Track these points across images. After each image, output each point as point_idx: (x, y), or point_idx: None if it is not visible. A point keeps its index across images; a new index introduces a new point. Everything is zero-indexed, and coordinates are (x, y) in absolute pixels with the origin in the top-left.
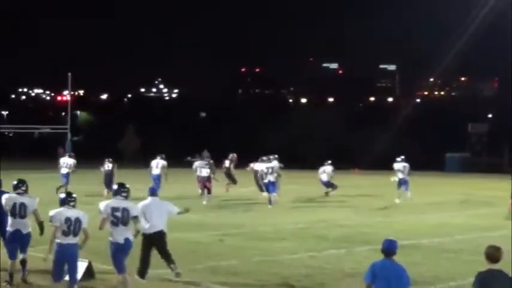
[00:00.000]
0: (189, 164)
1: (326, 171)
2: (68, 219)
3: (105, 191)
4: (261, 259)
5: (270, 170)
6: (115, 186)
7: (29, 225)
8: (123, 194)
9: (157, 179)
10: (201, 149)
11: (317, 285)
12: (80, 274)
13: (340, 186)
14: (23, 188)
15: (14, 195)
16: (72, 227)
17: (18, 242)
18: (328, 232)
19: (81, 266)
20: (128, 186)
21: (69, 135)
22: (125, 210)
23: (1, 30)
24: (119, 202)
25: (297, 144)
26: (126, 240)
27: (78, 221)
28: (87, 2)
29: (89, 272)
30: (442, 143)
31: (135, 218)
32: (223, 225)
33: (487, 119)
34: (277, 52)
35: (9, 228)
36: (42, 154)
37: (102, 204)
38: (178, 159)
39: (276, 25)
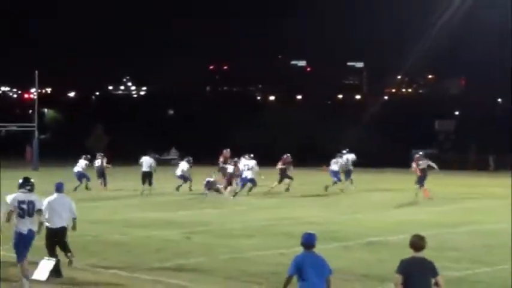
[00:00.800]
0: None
1: (339, 162)
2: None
3: (101, 184)
4: (229, 256)
5: (248, 168)
6: (20, 180)
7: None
8: (27, 188)
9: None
10: (169, 146)
11: None
12: (46, 273)
13: (309, 183)
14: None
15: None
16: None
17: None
18: (296, 229)
19: (48, 265)
20: (32, 180)
21: (36, 133)
22: (30, 203)
23: None
24: (25, 195)
25: (265, 142)
26: (29, 231)
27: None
28: None
29: (56, 271)
30: (409, 140)
31: (40, 211)
32: (191, 223)
33: (454, 116)
34: (246, 49)
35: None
36: (9, 152)
37: (10, 197)
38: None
39: (245, 22)
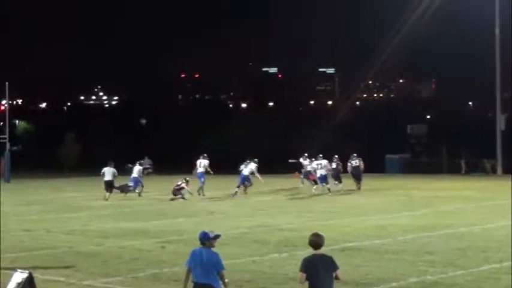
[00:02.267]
0: (128, 172)
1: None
2: None
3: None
4: None
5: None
6: None
7: None
8: None
9: (202, 176)
10: (142, 156)
11: None
12: (19, 286)
13: (281, 190)
14: None
15: None
16: None
17: None
18: (269, 236)
19: (21, 277)
20: None
21: (7, 144)
22: None
23: None
24: None
25: (238, 149)
26: None
27: None
28: (25, 8)
29: (30, 284)
30: (381, 145)
31: None
32: (165, 232)
33: (426, 120)
34: (217, 57)
35: None
36: None
37: None
38: (119, 167)
39: (216, 30)
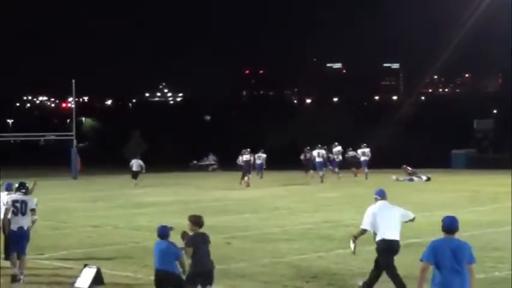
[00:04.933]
0: (194, 169)
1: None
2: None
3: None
4: (269, 261)
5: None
6: (16, 185)
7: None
8: (22, 191)
9: (260, 167)
10: (207, 153)
11: (326, 285)
12: (88, 281)
13: (345, 186)
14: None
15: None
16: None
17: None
18: (334, 232)
19: (90, 273)
20: (27, 184)
21: (74, 142)
22: (23, 202)
23: (4, 39)
24: (19, 196)
25: (303, 145)
26: (20, 228)
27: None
28: (89, 8)
29: (98, 279)
30: (447, 140)
31: (33, 210)
32: (231, 228)
33: (493, 114)
34: (281, 53)
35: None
36: (48, 162)
37: (6, 198)
38: (184, 164)
39: (280, 26)
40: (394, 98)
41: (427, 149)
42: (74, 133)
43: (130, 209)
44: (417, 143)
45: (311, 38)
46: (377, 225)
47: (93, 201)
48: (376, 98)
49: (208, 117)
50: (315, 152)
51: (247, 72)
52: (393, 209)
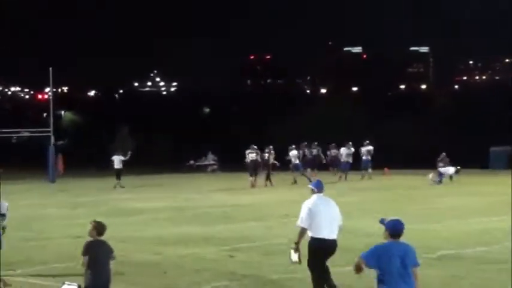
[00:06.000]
0: (191, 170)
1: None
2: None
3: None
4: (278, 277)
5: None
6: None
7: None
8: None
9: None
10: (205, 151)
11: None
12: None
13: (367, 189)
14: None
15: None
16: None
17: None
18: (354, 243)
19: None
20: None
21: (52, 139)
22: None
23: None
24: None
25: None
26: None
27: None
28: None
29: None
30: (485, 136)
31: (3, 215)
32: (233, 238)
33: None
34: (291, 36)
35: None
36: (22, 163)
37: None
38: (179, 164)
39: (290, 4)
40: (423, 87)
41: (461, 147)
42: (51, 129)
43: (116, 217)
44: (449, 139)
45: (325, 16)
46: (311, 222)
47: (73, 207)
48: (402, 87)
49: (207, 110)
50: (342, 150)
51: (251, 57)
52: (330, 204)
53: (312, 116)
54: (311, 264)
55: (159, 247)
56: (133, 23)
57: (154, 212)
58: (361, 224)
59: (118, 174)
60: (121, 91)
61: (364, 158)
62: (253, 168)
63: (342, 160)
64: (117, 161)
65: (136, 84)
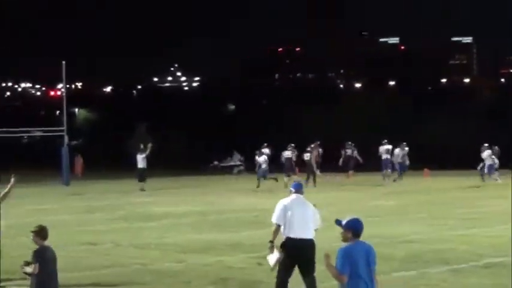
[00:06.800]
0: (216, 171)
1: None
2: None
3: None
4: None
5: None
6: None
7: None
8: None
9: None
10: (231, 151)
11: None
12: None
13: (405, 192)
14: None
15: None
16: None
17: None
18: (393, 250)
19: None
20: None
21: (66, 138)
22: None
23: None
24: None
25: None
26: None
27: None
28: None
29: None
30: None
31: None
32: (261, 245)
33: None
34: (322, 27)
35: None
36: (33, 164)
37: None
38: (202, 165)
39: None
40: (466, 80)
41: (509, 146)
42: (65, 128)
43: (135, 223)
44: (495, 137)
45: (360, 5)
46: (286, 221)
47: (89, 212)
48: (443, 80)
49: (232, 107)
50: (397, 151)
51: (280, 50)
52: (306, 205)
53: (348, 111)
54: (280, 264)
55: (182, 255)
56: (154, 14)
57: (176, 217)
58: (400, 230)
59: (141, 175)
60: (139, 87)
61: (383, 157)
62: (290, 168)
63: (398, 161)
64: (140, 159)
65: (155, 79)
